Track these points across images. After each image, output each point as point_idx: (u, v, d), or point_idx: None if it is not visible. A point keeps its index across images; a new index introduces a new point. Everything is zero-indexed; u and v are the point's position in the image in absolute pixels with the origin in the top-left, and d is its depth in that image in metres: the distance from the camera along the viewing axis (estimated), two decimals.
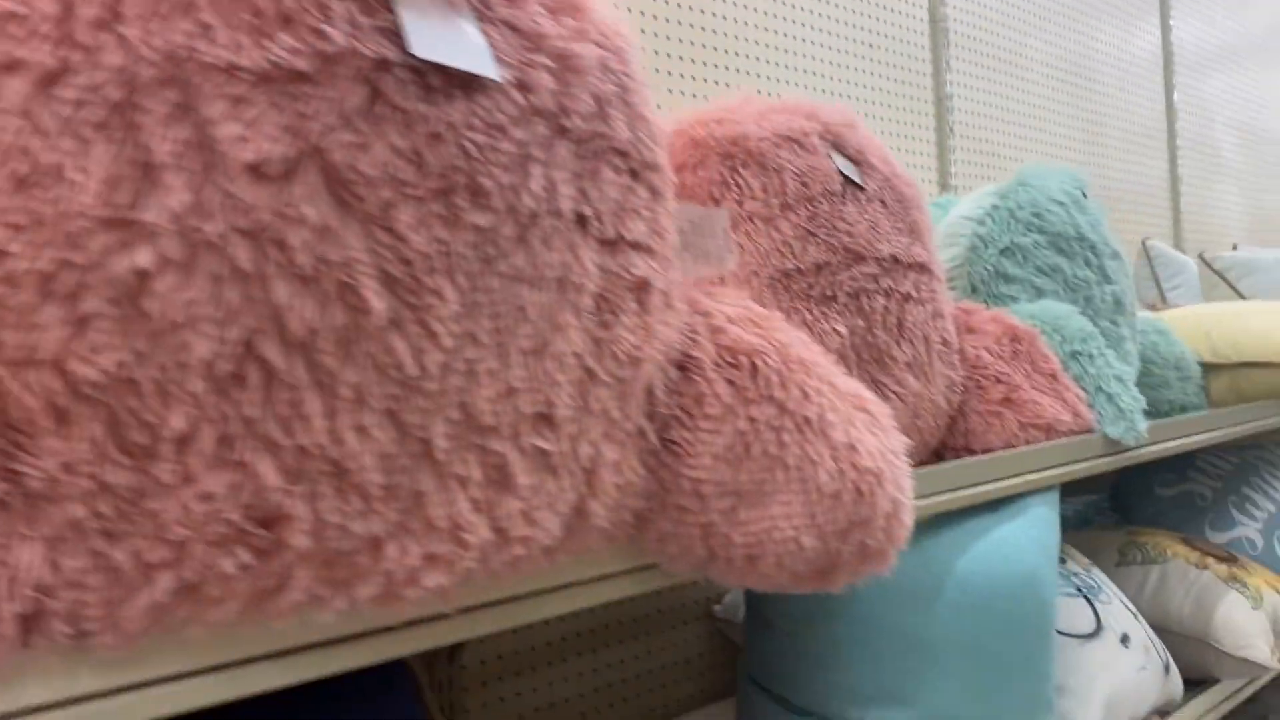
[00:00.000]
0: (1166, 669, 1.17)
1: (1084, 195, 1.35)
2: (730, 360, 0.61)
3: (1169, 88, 2.62)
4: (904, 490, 0.65)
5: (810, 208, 0.93)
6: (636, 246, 0.56)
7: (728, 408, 0.60)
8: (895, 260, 0.99)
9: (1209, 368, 1.56)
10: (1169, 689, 1.17)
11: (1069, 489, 1.92)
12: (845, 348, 0.94)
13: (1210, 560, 1.39)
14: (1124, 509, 1.75)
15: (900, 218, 1.02)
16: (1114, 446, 1.09)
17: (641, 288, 0.56)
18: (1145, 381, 1.46)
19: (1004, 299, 1.24)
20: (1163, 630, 1.32)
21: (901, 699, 0.85)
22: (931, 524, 0.91)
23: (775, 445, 0.60)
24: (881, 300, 0.97)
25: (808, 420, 0.61)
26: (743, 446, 0.60)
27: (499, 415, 0.48)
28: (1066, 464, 1.04)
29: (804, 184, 0.94)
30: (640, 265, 0.56)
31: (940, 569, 0.86)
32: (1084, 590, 1.15)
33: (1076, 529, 1.80)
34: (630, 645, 1.30)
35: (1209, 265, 1.94)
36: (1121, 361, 1.26)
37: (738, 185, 0.92)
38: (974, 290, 1.26)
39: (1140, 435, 1.09)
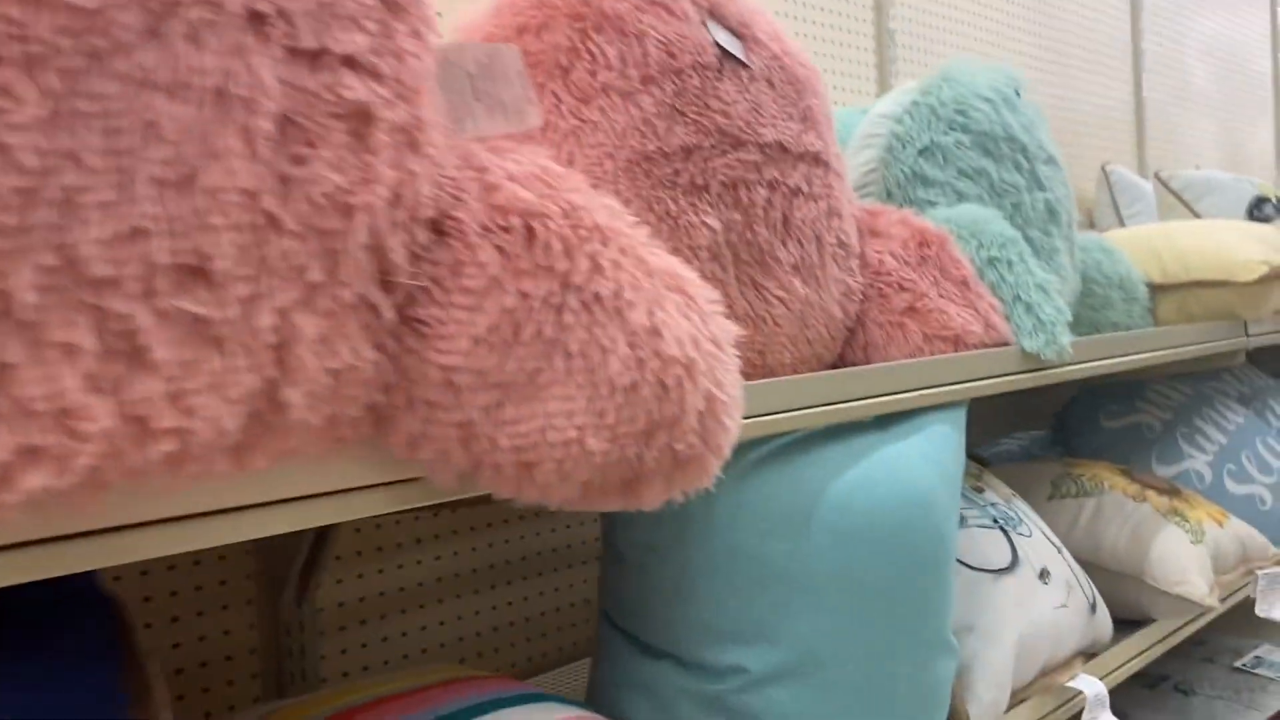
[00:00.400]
0: (1093, 608, 1.07)
1: (1017, 94, 1.23)
2: (501, 223, 0.50)
3: (1135, 4, 2.49)
4: (723, 386, 0.53)
5: (677, 82, 0.81)
6: (352, 65, 0.44)
7: (493, 280, 0.48)
8: (782, 148, 0.88)
9: (1158, 289, 1.45)
10: (1095, 629, 1.07)
11: (1012, 423, 1.83)
12: (719, 245, 0.82)
13: (1150, 493, 1.29)
14: (1067, 442, 1.65)
15: (791, 102, 0.90)
16: (1032, 362, 0.98)
17: (358, 117, 0.44)
18: (1087, 302, 1.36)
19: (922, 204, 1.12)
20: (1095, 567, 1.22)
21: (765, 637, 0.74)
22: (807, 441, 0.80)
23: (554, 327, 0.49)
24: (764, 193, 0.85)
25: (598, 298, 0.50)
26: (510, 328, 0.48)
27: (120, 265, 0.37)
28: (975, 380, 0.93)
29: (670, 54, 0.81)
30: (357, 89, 0.43)
31: (814, 490, 0.75)
32: (1000, 522, 1.05)
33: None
34: (518, 586, 1.20)
35: (1165, 185, 1.82)
36: (1049, 272, 1.15)
37: (590, 53, 0.80)
38: (889, 195, 1.14)
39: (1062, 350, 0.98)
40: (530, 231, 0.50)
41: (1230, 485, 1.50)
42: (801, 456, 0.77)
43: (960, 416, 0.92)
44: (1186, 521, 1.24)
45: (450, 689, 0.72)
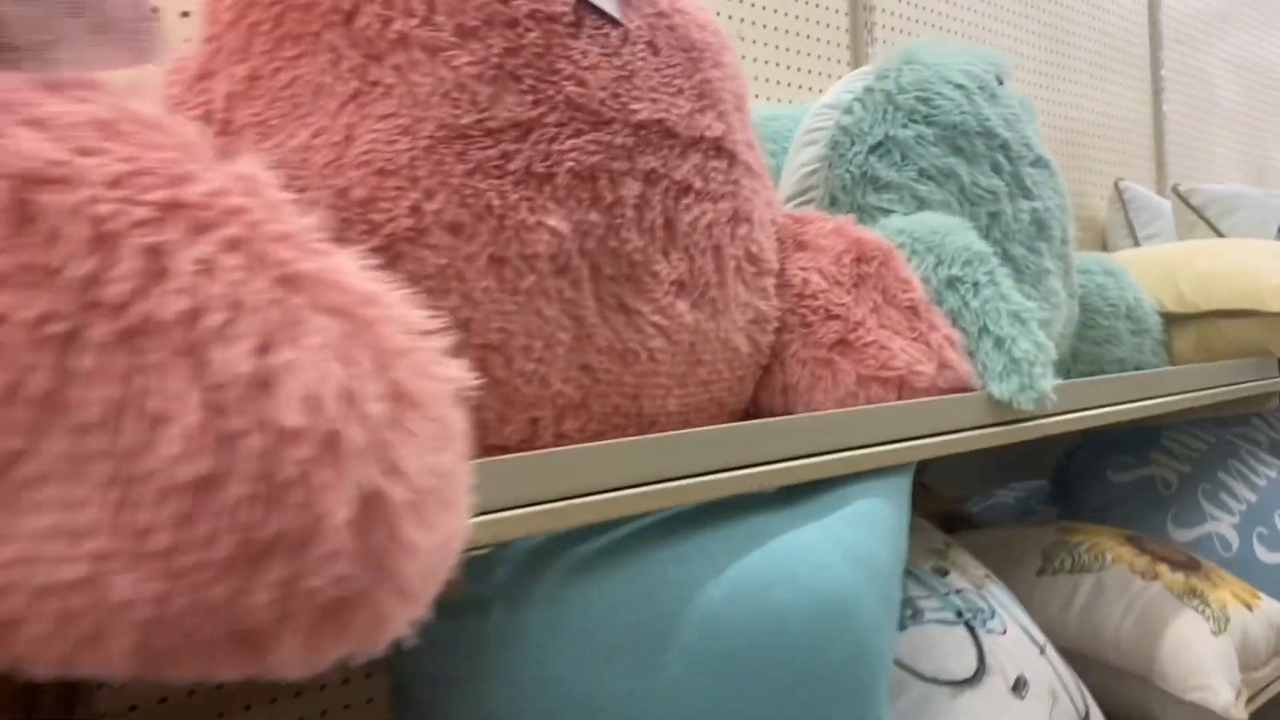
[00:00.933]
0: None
1: (1000, 82, 1.01)
2: None
3: (1153, 6, 2.27)
4: (404, 473, 0.32)
5: (510, 36, 0.60)
6: None
7: None
8: (665, 131, 0.66)
9: (1173, 320, 1.22)
10: None
11: (1010, 471, 1.60)
12: (567, 253, 0.61)
13: (1163, 567, 1.06)
14: (1068, 498, 1.42)
15: (682, 72, 0.69)
16: (1004, 412, 0.76)
17: None
18: (1088, 335, 1.14)
19: (873, 212, 0.91)
20: (1093, 662, 0.99)
21: None
22: (667, 527, 0.58)
23: (50, 376, 0.27)
24: (636, 187, 0.64)
25: (152, 324, 0.29)
26: None
27: None
28: (924, 437, 0.71)
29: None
30: None
31: (672, 600, 0.53)
32: (967, 616, 0.82)
33: (1018, 522, 1.47)
34: (313, 697, 0.98)
35: (1184, 200, 1.59)
36: (1033, 298, 0.93)
37: None
38: (834, 202, 0.92)
39: (1042, 396, 0.76)
40: (25, 208, 0.28)
41: (1261, 553, 1.26)
42: (656, 551, 0.55)
43: (902, 486, 0.70)
44: (1207, 605, 1.01)
45: None
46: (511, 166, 0.59)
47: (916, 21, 1.71)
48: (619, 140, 0.64)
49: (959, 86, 0.95)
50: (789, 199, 0.96)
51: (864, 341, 0.73)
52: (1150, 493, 1.33)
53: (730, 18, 1.43)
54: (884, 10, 1.64)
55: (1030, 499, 1.55)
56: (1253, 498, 1.31)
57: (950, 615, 0.81)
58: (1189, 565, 1.09)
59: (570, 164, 0.61)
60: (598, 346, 0.63)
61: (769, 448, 0.62)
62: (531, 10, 0.61)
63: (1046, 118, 2.00)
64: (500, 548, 0.55)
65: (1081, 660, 1.00)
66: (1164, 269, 1.25)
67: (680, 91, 0.68)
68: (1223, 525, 1.28)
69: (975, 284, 0.78)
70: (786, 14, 1.49)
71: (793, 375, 0.74)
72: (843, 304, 0.74)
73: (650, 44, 0.68)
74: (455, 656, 0.54)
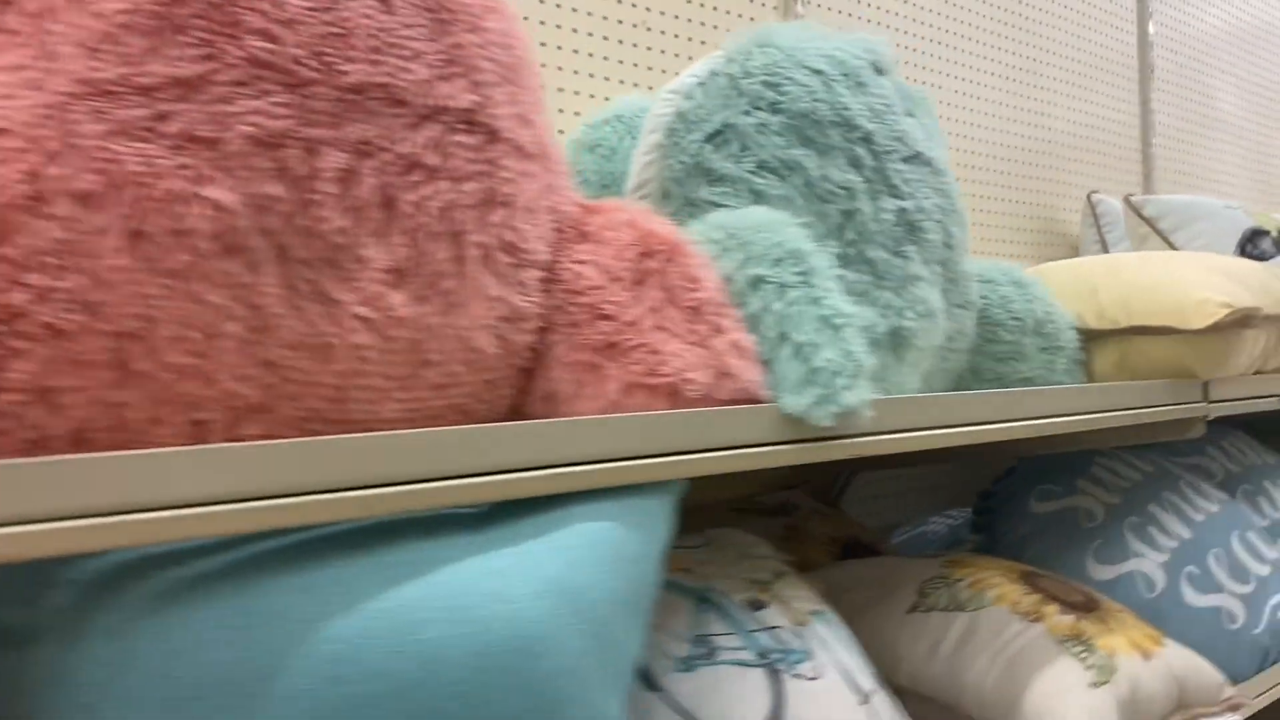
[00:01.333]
0: None
1: (879, 70, 0.93)
2: None
3: (1142, 15, 2.15)
4: None
5: None
6: None
7: None
8: (387, 98, 0.59)
9: (1093, 336, 1.12)
10: None
11: (937, 500, 1.50)
12: (240, 231, 0.53)
13: (1052, 608, 0.96)
14: (989, 528, 1.31)
15: (425, 35, 0.61)
16: (799, 430, 0.67)
17: None
18: (988, 350, 1.04)
19: (705, 207, 0.82)
20: (956, 711, 0.90)
21: None
22: (290, 551, 0.50)
23: None
24: (341, 159, 0.56)
25: None
26: None
27: None
28: (690, 452, 0.62)
29: None
30: None
31: (273, 636, 0.45)
32: (772, 656, 0.73)
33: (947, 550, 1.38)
34: None
35: (1135, 210, 1.48)
36: (892, 304, 0.84)
37: None
38: (666, 196, 0.84)
39: (846, 412, 0.67)
40: None
41: (1189, 594, 1.15)
42: (271, 578, 0.47)
43: (652, 508, 0.61)
44: (1092, 652, 0.90)
45: None
46: (166, 129, 0.52)
47: (850, 15, 1.62)
48: (318, 105, 0.56)
49: (816, 72, 0.86)
50: (630, 192, 0.88)
51: (633, 344, 0.64)
52: (1071, 525, 1.23)
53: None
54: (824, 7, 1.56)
55: (963, 528, 1.45)
56: (1186, 534, 1.20)
57: (751, 656, 0.73)
58: (1084, 606, 0.99)
59: (247, 129, 0.54)
60: (284, 340, 0.56)
61: (472, 458, 0.54)
62: None
63: (1022, 127, 1.90)
64: (59, 566, 0.47)
65: (946, 710, 0.91)
66: (1085, 281, 1.15)
67: (417, 55, 0.61)
68: (1148, 563, 1.17)
69: (782, 285, 0.70)
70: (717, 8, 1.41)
71: (555, 381, 0.66)
72: (616, 302, 0.65)
73: (385, 1, 0.60)
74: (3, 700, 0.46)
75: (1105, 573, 1.18)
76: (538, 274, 0.66)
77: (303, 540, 0.50)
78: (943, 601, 0.96)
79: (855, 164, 0.86)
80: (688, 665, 0.72)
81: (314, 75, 0.56)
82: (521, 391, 0.67)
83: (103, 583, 0.45)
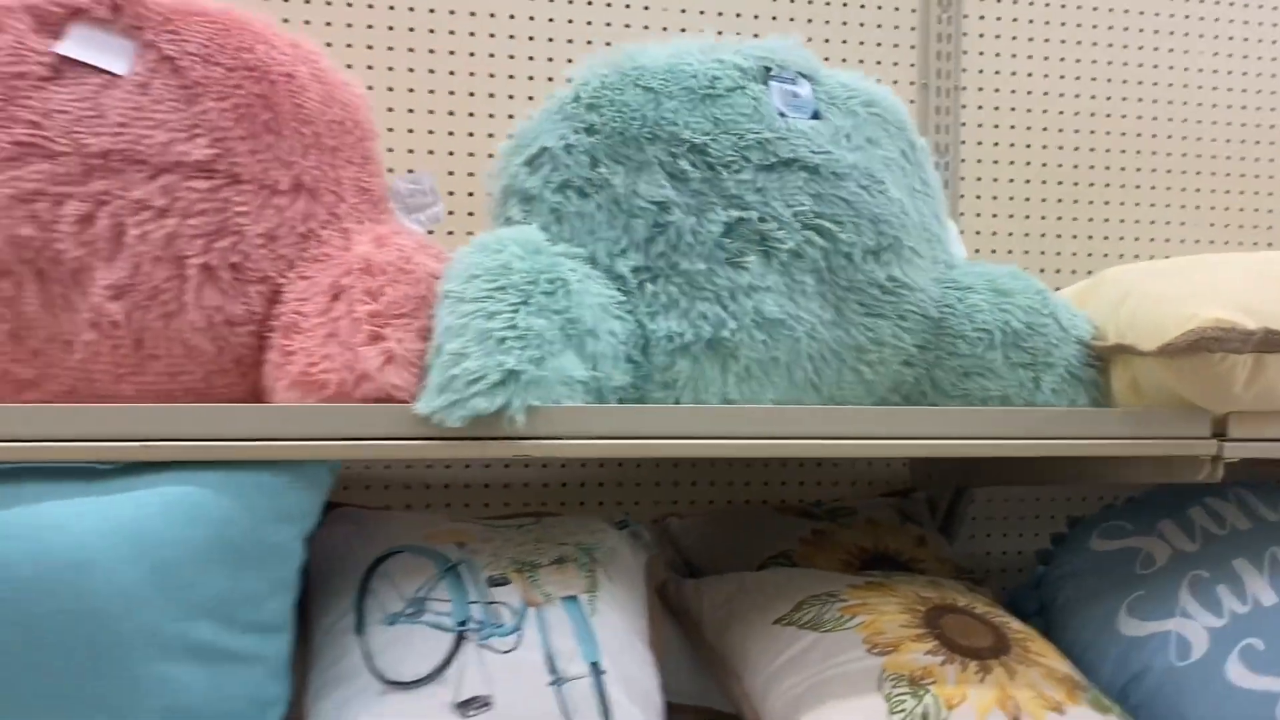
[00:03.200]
0: None
1: (761, 78, 0.93)
2: None
3: None
4: None
5: None
6: None
7: None
8: (127, 159, 0.80)
9: (1113, 353, 0.98)
10: None
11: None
12: (7, 260, 0.79)
13: (921, 645, 0.89)
14: (1048, 558, 1.17)
15: (173, 108, 0.82)
16: (433, 429, 0.76)
17: None
18: (949, 365, 0.99)
19: (515, 225, 0.91)
20: None
21: None
22: None
23: None
24: (83, 207, 0.79)
25: None
26: None
27: None
28: (315, 438, 0.75)
29: None
30: None
31: None
32: (471, 626, 0.82)
33: None
34: None
35: None
36: (707, 315, 0.86)
37: None
38: (494, 213, 0.95)
39: (475, 416, 0.75)
40: None
41: (1236, 671, 0.95)
42: None
43: (250, 483, 0.75)
44: (916, 697, 0.84)
45: None
46: None
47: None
48: (64, 169, 0.79)
49: (647, 90, 0.90)
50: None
51: (301, 348, 0.79)
52: (1122, 568, 1.06)
53: None
54: None
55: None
56: (1271, 599, 0.99)
57: (448, 621, 0.83)
58: (987, 651, 0.90)
59: (9, 190, 0.78)
60: (41, 336, 0.80)
61: (115, 427, 0.73)
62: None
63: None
64: None
65: None
66: (1122, 288, 0.99)
67: (160, 124, 0.81)
68: (1193, 626, 0.99)
69: (459, 298, 0.79)
70: None
71: (265, 375, 0.82)
72: (302, 313, 0.80)
73: (142, 85, 0.82)
74: None
75: (1134, 628, 1.01)
76: (263, 288, 0.83)
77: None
78: (806, 618, 0.94)
79: (678, 177, 0.89)
80: (392, 620, 0.84)
81: (64, 149, 0.79)
82: (254, 387, 0.85)
83: None
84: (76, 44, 0.82)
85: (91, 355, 0.80)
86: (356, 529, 0.93)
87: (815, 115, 0.95)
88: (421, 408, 0.76)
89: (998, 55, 1.44)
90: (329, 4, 1.21)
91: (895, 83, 1.38)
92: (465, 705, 0.78)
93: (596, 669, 0.83)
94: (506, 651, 0.82)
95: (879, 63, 1.40)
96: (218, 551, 0.74)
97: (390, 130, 1.21)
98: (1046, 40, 1.45)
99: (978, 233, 1.43)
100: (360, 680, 0.81)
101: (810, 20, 1.38)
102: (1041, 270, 1.44)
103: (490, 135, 1.24)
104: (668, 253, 0.88)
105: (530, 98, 1.25)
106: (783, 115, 0.93)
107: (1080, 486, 1.41)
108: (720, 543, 1.21)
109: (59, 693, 0.70)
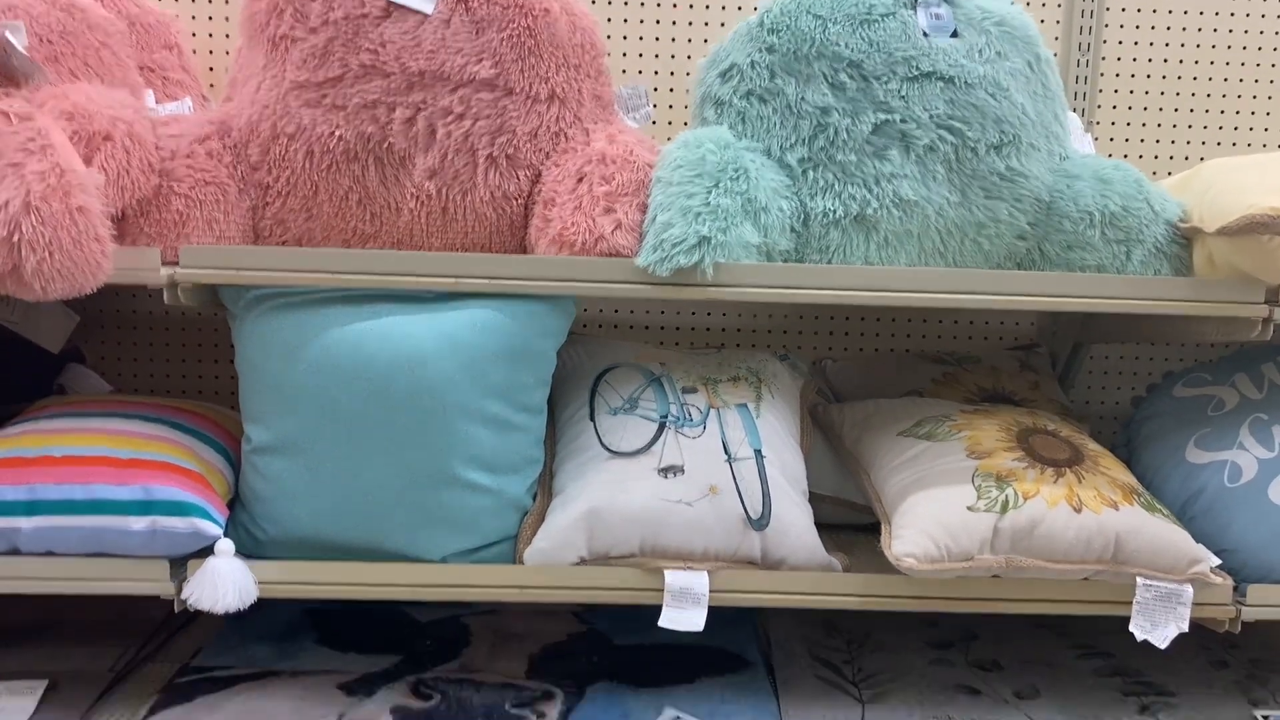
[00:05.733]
0: (756, 523, 1.11)
1: (911, 6, 1.17)
2: None
3: None
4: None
5: (332, 30, 1.12)
6: None
7: None
8: (436, 76, 1.12)
9: (1195, 235, 1.19)
10: (759, 546, 1.11)
11: None
12: (354, 149, 1.13)
13: (1009, 455, 1.16)
14: (1140, 401, 1.40)
15: (467, 38, 1.13)
16: (640, 275, 1.07)
17: None
18: (1056, 239, 1.23)
19: (710, 125, 1.20)
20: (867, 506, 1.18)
21: (262, 421, 1.09)
22: (324, 300, 1.08)
23: None
24: (406, 112, 1.12)
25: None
26: None
27: None
28: (566, 280, 1.07)
29: (330, 7, 1.12)
30: None
31: (306, 333, 1.05)
32: (667, 419, 1.15)
33: None
34: None
35: None
36: (856, 197, 1.13)
37: (278, 14, 1.14)
38: (696, 115, 1.23)
39: (679, 270, 1.05)
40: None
41: (1275, 492, 1.18)
42: (311, 310, 1.07)
43: (530, 311, 1.08)
44: (999, 489, 1.11)
45: None
46: (325, 101, 1.12)
47: None
48: (394, 84, 1.12)
49: (816, 17, 1.16)
50: None
51: (556, 216, 1.11)
52: (1197, 411, 1.29)
53: None
54: None
55: None
56: None
57: (654, 414, 1.16)
58: (1065, 462, 1.16)
59: (357, 99, 1.12)
60: (378, 203, 1.15)
61: (437, 268, 1.08)
62: (346, 12, 1.12)
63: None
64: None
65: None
66: (1207, 178, 1.19)
67: (459, 50, 1.13)
68: (1246, 457, 1.22)
69: (666, 182, 1.08)
70: None
71: (530, 236, 1.15)
72: (555, 191, 1.12)
73: (445, 21, 1.13)
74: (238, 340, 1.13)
75: (1198, 457, 1.25)
76: (528, 173, 1.15)
77: (327, 295, 1.09)
78: (922, 431, 1.23)
79: (837, 87, 1.15)
80: (614, 412, 1.18)
81: (393, 70, 1.12)
82: (520, 242, 1.17)
83: (274, 303, 1.10)
84: None
85: (412, 219, 1.14)
86: (589, 350, 1.27)
87: (954, 34, 1.18)
88: (640, 261, 1.07)
89: None
90: None
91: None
92: (666, 471, 1.12)
93: (759, 454, 1.15)
94: (695, 438, 1.14)
95: None
96: (504, 354, 1.08)
97: (616, 50, 1.51)
98: None
99: (1113, 124, 1.62)
100: (592, 450, 1.15)
101: None
102: (1171, 158, 1.62)
103: (689, 57, 1.52)
104: (826, 147, 1.15)
105: (723, 24, 1.51)
106: (926, 35, 1.17)
107: (1170, 348, 1.62)
108: (863, 381, 1.50)
109: (403, 442, 1.06)
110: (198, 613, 1.36)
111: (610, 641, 1.39)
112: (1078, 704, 1.24)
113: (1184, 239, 1.20)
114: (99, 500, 1.03)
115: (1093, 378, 1.64)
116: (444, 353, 1.06)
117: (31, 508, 1.02)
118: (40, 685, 1.15)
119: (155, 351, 1.56)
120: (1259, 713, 1.23)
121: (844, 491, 1.32)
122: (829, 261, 1.16)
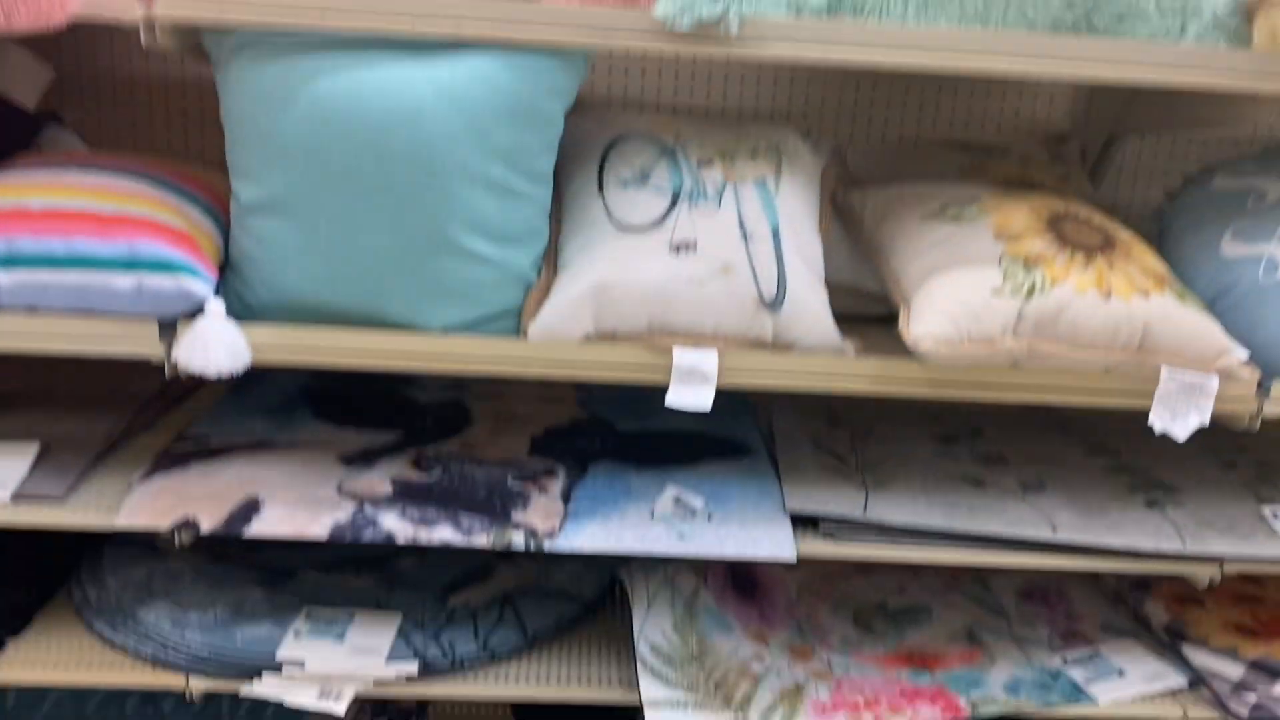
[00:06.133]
0: (771, 304, 1.06)
1: None
2: None
3: None
4: None
5: None
6: None
7: None
8: None
9: (1256, 6, 1.10)
10: (773, 326, 1.06)
11: None
12: None
13: (1040, 239, 1.10)
14: (1174, 194, 1.33)
15: None
16: (657, 27, 0.98)
17: None
18: (1106, 8, 1.13)
19: None
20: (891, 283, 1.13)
21: (251, 176, 1.02)
22: (316, 45, 0.99)
23: None
24: None
25: None
26: None
27: None
28: (573, 26, 0.98)
29: None
30: None
31: (298, 80, 0.97)
32: (681, 193, 1.08)
33: None
34: None
35: None
36: None
37: None
38: None
39: (700, 21, 0.96)
40: None
41: None
42: (300, 56, 0.99)
43: (536, 65, 1.00)
44: (1026, 272, 1.06)
45: None
46: None
47: None
48: None
49: None
50: None
51: None
52: (1235, 203, 1.23)
53: None
54: None
55: None
56: None
57: (667, 188, 1.09)
58: (1097, 247, 1.10)
59: None
60: None
61: (437, 8, 0.99)
62: None
63: None
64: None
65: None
66: None
67: None
68: None
69: None
70: None
71: None
72: None
73: None
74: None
75: (1233, 250, 1.19)
76: None
77: (321, 40, 1.01)
78: (949, 214, 1.16)
79: None
80: (624, 184, 1.11)
81: None
82: None
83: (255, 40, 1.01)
84: None
85: None
86: (598, 118, 1.19)
87: None
88: (659, 12, 0.98)
89: None
90: None
91: None
92: (678, 247, 1.06)
93: (775, 232, 1.09)
94: (709, 213, 1.08)
95: None
96: (508, 111, 1.01)
97: None
98: None
99: None
100: (601, 225, 1.09)
101: None
102: None
103: None
104: None
105: None
106: None
107: (1205, 148, 1.53)
108: (886, 170, 1.42)
109: (399, 203, 1.00)
110: (193, 388, 1.34)
111: (613, 427, 1.37)
112: (1084, 496, 1.23)
113: (1245, 12, 1.11)
114: (80, 255, 0.98)
115: (1123, 176, 1.57)
116: (444, 107, 0.98)
117: (9, 260, 0.97)
118: (32, 447, 1.13)
119: (139, 114, 1.48)
120: (1266, 508, 1.22)
121: (859, 280, 1.27)
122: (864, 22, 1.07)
